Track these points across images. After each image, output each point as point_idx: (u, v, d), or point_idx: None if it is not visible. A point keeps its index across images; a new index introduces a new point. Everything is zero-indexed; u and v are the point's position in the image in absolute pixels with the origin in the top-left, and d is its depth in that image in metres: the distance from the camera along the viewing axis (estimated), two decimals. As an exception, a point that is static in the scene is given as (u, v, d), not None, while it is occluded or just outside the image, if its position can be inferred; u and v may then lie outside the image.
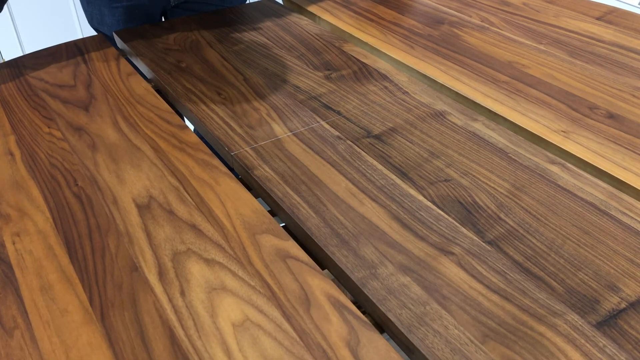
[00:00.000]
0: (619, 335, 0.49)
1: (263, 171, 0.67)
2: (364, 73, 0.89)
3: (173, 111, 0.79)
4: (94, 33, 1.19)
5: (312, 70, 0.89)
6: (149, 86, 0.85)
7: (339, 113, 0.78)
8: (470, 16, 1.08)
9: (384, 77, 0.88)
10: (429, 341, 0.48)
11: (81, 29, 2.01)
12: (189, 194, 0.64)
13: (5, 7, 1.87)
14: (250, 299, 0.51)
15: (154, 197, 0.64)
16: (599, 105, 0.79)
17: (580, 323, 0.50)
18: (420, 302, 0.51)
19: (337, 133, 0.74)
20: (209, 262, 0.55)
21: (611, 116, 0.77)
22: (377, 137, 0.74)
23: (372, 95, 0.83)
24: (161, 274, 0.54)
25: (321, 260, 0.58)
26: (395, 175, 0.67)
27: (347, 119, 0.77)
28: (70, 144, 0.73)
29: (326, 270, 0.58)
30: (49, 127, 0.76)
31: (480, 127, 0.75)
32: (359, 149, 0.71)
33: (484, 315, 0.50)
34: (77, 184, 0.66)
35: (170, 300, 0.51)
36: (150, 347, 0.47)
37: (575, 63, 0.90)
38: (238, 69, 0.89)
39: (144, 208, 0.62)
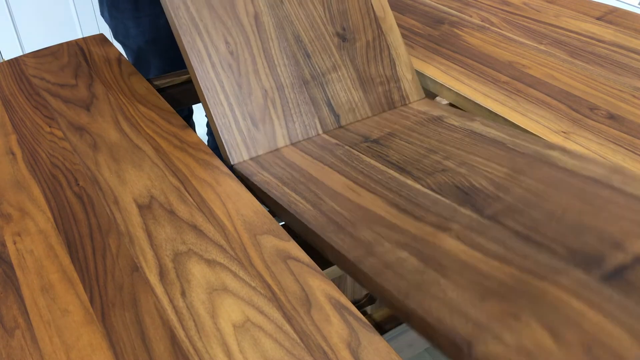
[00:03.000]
0: (625, 287, 0.46)
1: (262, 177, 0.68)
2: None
3: (174, 111, 0.79)
4: (94, 33, 1.19)
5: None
6: (150, 86, 0.85)
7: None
8: (471, 16, 1.08)
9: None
10: (426, 304, 0.47)
11: (81, 29, 2.01)
12: (190, 194, 0.64)
13: (5, 6, 1.87)
14: (251, 300, 0.51)
15: (155, 197, 0.64)
16: (599, 106, 0.79)
17: (584, 278, 0.47)
18: (418, 272, 0.50)
19: (335, 141, 0.74)
20: (210, 262, 0.55)
21: (611, 117, 0.77)
22: (375, 141, 0.74)
23: (373, 96, 0.83)
24: (162, 275, 0.54)
25: (320, 249, 0.57)
26: (393, 170, 0.66)
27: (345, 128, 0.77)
28: (72, 144, 0.73)
29: (326, 270, 0.58)
30: (50, 127, 0.76)
31: (478, 125, 0.75)
32: (357, 152, 0.71)
33: (484, 277, 0.49)
34: (78, 184, 0.66)
35: (171, 300, 0.51)
36: (151, 347, 0.47)
37: (575, 63, 0.90)
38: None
39: (145, 208, 0.62)
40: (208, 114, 0.73)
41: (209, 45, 0.74)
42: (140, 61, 1.14)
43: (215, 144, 1.27)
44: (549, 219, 0.55)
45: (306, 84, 0.78)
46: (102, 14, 1.13)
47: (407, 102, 0.83)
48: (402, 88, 0.84)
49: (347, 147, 0.72)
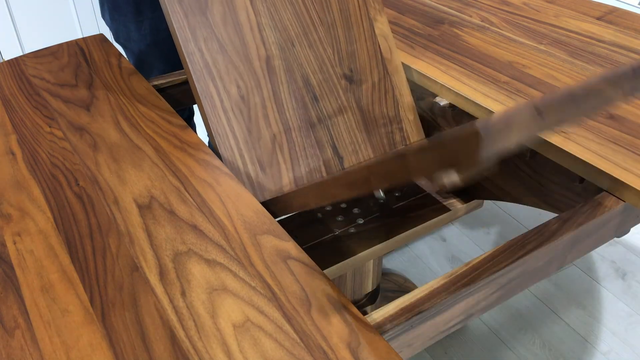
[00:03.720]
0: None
1: None
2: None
3: (174, 111, 0.79)
4: (94, 33, 1.19)
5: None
6: (150, 86, 0.85)
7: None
8: (471, 16, 1.08)
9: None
10: None
11: (81, 29, 2.01)
12: (190, 194, 0.64)
13: (5, 6, 1.87)
14: (251, 300, 0.51)
15: (155, 197, 0.64)
16: (599, 106, 0.79)
17: None
18: None
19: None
20: (209, 262, 0.55)
21: (611, 117, 0.77)
22: None
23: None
24: (162, 275, 0.54)
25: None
26: None
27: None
28: (72, 144, 0.73)
29: (326, 270, 0.58)
30: (50, 127, 0.76)
31: None
32: None
33: None
34: (78, 184, 0.66)
35: (171, 300, 0.51)
36: (151, 347, 0.47)
37: (575, 63, 0.90)
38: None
39: (145, 208, 0.62)
40: (215, 150, 0.74)
41: (222, 91, 0.74)
42: (141, 64, 1.14)
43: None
44: None
45: (313, 127, 0.78)
46: (103, 17, 1.13)
47: (407, 143, 0.83)
48: (404, 129, 0.84)
49: None
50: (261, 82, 0.77)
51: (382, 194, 0.86)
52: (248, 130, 0.74)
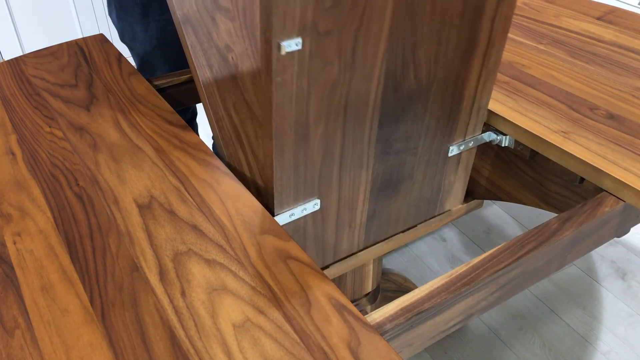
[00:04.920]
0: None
1: None
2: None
3: (174, 111, 0.79)
4: (94, 32, 1.18)
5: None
6: (150, 86, 0.85)
7: None
8: (471, 16, 1.08)
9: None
10: None
11: (81, 29, 2.01)
12: (190, 194, 0.64)
13: (5, 6, 1.87)
14: (251, 300, 0.51)
15: (155, 197, 0.64)
16: (599, 106, 0.79)
17: None
18: None
19: None
20: (209, 262, 0.55)
21: (611, 117, 0.77)
22: None
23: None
24: (162, 275, 0.54)
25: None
26: None
27: None
28: (72, 144, 0.73)
29: (326, 270, 0.58)
30: (50, 127, 0.76)
31: None
32: None
33: None
34: (78, 184, 0.66)
35: (171, 300, 0.51)
36: (151, 347, 0.47)
37: (575, 63, 0.91)
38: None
39: (145, 208, 0.62)
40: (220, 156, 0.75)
41: None
42: (145, 65, 1.14)
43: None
44: None
45: None
46: (110, 15, 1.13)
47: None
48: None
49: None
50: None
51: None
52: None
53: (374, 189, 0.73)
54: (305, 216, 0.68)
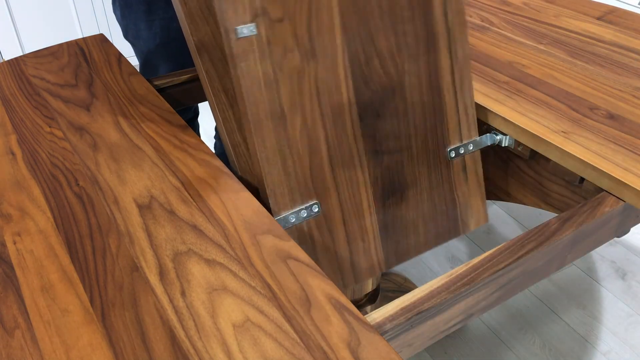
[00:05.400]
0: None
1: None
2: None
3: (174, 111, 0.79)
4: (94, 32, 1.18)
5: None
6: (150, 86, 0.85)
7: None
8: (471, 16, 1.08)
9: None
10: None
11: (81, 29, 2.01)
12: (190, 194, 0.64)
13: (5, 6, 1.87)
14: (251, 300, 0.51)
15: (155, 197, 0.64)
16: (599, 106, 0.79)
17: None
18: None
19: None
20: (209, 262, 0.55)
21: (611, 117, 0.77)
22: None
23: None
24: (162, 275, 0.54)
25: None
26: None
27: None
28: (72, 144, 0.73)
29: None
30: (50, 127, 0.76)
31: None
32: None
33: None
34: (78, 184, 0.66)
35: (171, 300, 0.51)
36: (151, 347, 0.47)
37: (575, 63, 0.91)
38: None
39: (145, 208, 0.62)
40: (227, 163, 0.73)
41: None
42: (148, 63, 1.14)
43: (221, 150, 1.26)
44: None
45: None
46: (114, 12, 1.13)
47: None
48: None
49: None
50: None
51: None
52: None
53: (377, 195, 0.73)
54: (307, 221, 0.68)
